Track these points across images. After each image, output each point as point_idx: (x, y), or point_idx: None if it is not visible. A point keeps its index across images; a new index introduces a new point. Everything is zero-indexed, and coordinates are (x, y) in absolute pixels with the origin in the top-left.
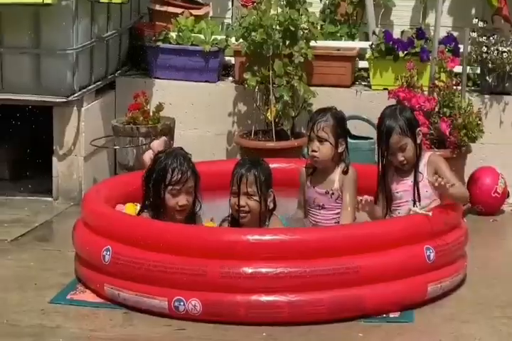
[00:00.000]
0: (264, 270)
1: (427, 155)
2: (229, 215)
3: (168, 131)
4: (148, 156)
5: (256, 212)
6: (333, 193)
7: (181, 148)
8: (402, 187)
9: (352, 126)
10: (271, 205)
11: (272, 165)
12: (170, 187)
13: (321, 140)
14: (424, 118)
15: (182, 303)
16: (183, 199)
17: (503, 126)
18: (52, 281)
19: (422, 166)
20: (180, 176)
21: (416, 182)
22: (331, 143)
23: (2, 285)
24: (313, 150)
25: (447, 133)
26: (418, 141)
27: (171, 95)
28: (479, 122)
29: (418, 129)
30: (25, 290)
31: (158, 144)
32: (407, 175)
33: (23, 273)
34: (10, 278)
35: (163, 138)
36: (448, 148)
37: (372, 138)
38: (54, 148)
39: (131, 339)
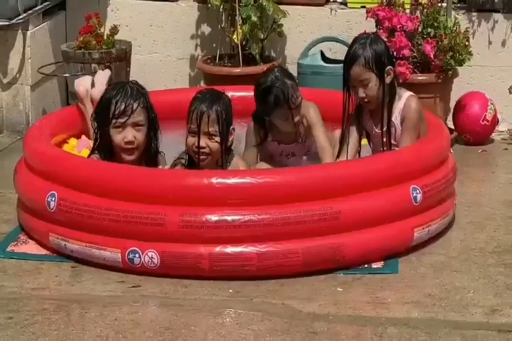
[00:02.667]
0: (229, 218)
1: (404, 98)
2: (180, 156)
3: (124, 56)
4: (83, 87)
5: (217, 153)
6: (301, 140)
7: (135, 82)
8: (380, 140)
9: (327, 48)
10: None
11: (238, 94)
12: (114, 121)
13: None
14: (407, 39)
15: (137, 255)
16: (129, 135)
17: (492, 47)
18: None
19: (397, 112)
20: (123, 107)
21: (389, 133)
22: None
23: None
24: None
25: (432, 56)
26: (387, 81)
27: (127, 16)
28: (467, 43)
29: (388, 67)
30: None
31: (102, 76)
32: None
33: None
34: None
35: (108, 70)
36: (433, 72)
37: None
38: None
39: (79, 299)
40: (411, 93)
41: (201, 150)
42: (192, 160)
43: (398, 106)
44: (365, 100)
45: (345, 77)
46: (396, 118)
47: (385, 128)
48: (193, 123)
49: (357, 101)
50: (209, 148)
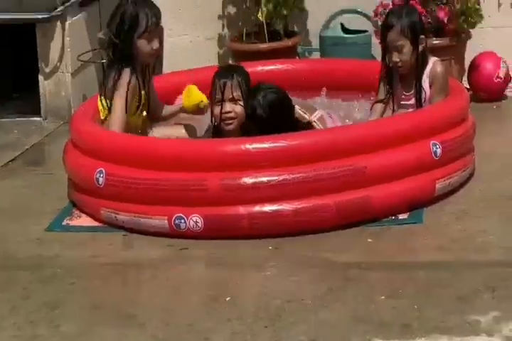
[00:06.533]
0: (265, 179)
1: (430, 63)
2: (208, 128)
3: None
4: None
5: (242, 117)
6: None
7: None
8: (407, 102)
9: (346, 19)
10: None
11: (267, 68)
12: (146, 34)
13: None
14: (421, 7)
15: (183, 220)
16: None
17: (502, 9)
18: (47, 207)
19: (425, 77)
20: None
21: (419, 100)
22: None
23: None
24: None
25: (445, 21)
26: (420, 49)
27: (157, 2)
28: (478, 7)
29: (422, 36)
30: (20, 219)
31: None
32: (411, 90)
33: (16, 201)
34: (3, 207)
35: None
36: (447, 36)
37: (367, 31)
38: (40, 66)
39: (134, 262)
40: (437, 58)
41: (227, 115)
42: (218, 130)
43: (426, 71)
44: (399, 65)
45: (381, 44)
46: (424, 81)
47: (412, 91)
48: (218, 93)
49: (388, 66)
50: (235, 112)
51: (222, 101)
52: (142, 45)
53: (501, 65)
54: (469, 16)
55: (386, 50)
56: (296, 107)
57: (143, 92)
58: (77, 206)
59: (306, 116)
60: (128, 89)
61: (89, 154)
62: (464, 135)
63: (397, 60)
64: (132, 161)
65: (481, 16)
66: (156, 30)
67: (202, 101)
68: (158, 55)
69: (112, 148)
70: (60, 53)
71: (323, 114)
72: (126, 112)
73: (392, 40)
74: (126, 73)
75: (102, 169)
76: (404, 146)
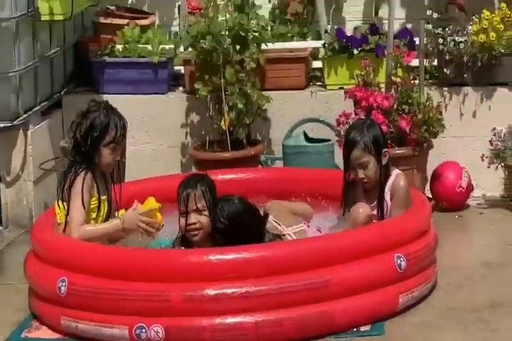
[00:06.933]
0: (229, 290)
1: (393, 176)
2: (177, 236)
3: None
4: None
5: (208, 227)
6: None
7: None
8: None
9: (309, 128)
10: None
11: (229, 176)
12: (113, 145)
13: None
14: (383, 116)
15: (144, 330)
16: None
17: (464, 118)
18: (6, 319)
19: (387, 189)
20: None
21: (381, 212)
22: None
23: None
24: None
25: (408, 131)
26: (383, 162)
27: (120, 110)
28: (440, 117)
29: (385, 150)
30: None
31: None
32: (374, 202)
33: None
34: None
35: None
36: (409, 146)
37: (330, 140)
38: (1, 174)
39: None
40: (399, 171)
41: (193, 226)
42: (187, 240)
43: (388, 183)
44: (364, 180)
45: (345, 160)
46: (386, 193)
47: (375, 203)
48: (182, 204)
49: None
50: (200, 222)
51: (186, 212)
52: (105, 153)
53: (463, 175)
54: (431, 126)
55: (349, 166)
56: (270, 217)
57: (103, 197)
58: (37, 317)
59: (279, 227)
60: (83, 186)
61: (52, 263)
62: (427, 247)
63: (363, 176)
64: (95, 271)
65: (442, 126)
66: (122, 142)
67: (159, 207)
68: (116, 165)
69: (75, 258)
70: (22, 161)
71: (307, 229)
72: (84, 208)
73: (356, 158)
74: (82, 172)
75: (64, 278)
76: (368, 259)
